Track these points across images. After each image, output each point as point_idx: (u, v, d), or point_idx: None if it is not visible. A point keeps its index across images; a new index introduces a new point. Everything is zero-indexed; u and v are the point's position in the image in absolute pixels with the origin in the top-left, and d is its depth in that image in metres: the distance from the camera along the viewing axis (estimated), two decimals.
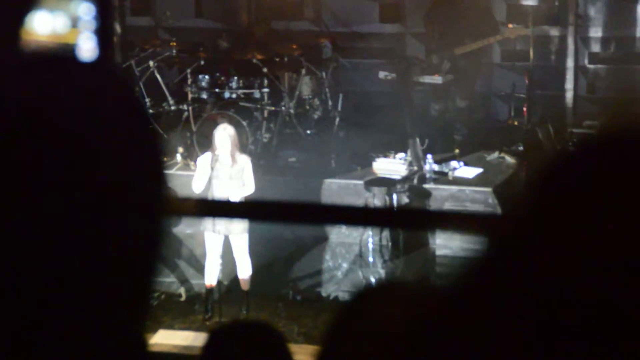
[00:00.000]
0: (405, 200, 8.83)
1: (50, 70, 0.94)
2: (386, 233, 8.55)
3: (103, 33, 1.06)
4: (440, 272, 9.08)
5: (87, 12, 1.19)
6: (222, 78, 9.45)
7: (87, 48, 1.17)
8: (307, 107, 9.86)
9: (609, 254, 0.65)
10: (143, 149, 0.96)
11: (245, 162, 8.19)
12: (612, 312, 0.65)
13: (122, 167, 0.93)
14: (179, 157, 9.08)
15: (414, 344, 0.71)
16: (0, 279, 0.89)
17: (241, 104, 9.39)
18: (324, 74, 9.92)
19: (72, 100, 0.92)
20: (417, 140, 9.14)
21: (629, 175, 0.85)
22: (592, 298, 0.65)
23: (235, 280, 8.48)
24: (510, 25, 9.99)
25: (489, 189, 8.76)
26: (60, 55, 0.99)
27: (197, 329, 8.15)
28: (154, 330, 8.17)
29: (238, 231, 8.29)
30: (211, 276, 8.32)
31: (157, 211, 0.95)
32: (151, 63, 9.46)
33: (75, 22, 1.20)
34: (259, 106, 9.49)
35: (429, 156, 8.96)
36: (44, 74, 0.94)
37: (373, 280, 9.23)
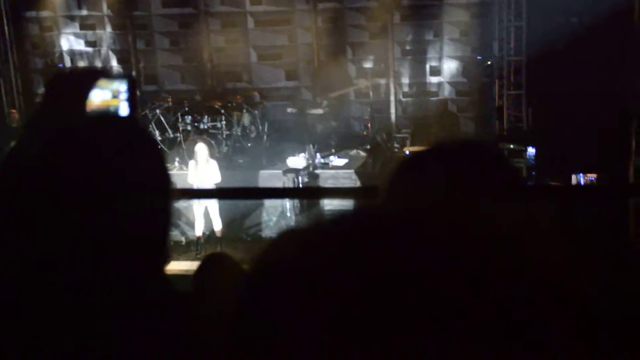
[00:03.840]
0: (305, 180, 10.60)
1: (103, 122, 1.24)
2: (296, 200, 10.10)
3: (132, 99, 1.39)
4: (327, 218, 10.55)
5: (122, 88, 1.54)
6: (198, 117, 11.58)
7: (123, 109, 1.54)
8: (247, 131, 11.94)
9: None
10: (160, 162, 1.24)
11: (213, 164, 10.03)
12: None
13: (148, 172, 1.21)
14: (176, 164, 10.66)
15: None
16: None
17: (210, 131, 11.48)
18: (256, 111, 12.14)
19: (118, 137, 1.20)
20: (311, 146, 11.13)
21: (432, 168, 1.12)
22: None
23: (212, 232, 10.35)
24: (362, 80, 12.52)
25: (351, 171, 10.87)
26: (109, 114, 1.36)
27: (192, 260, 9.40)
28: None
29: (212, 202, 9.86)
30: (199, 229, 10.13)
31: (170, 195, 1.22)
32: (157, 111, 11.69)
33: (115, 94, 1.51)
34: (220, 132, 11.55)
35: (318, 154, 11.06)
36: (101, 124, 1.23)
37: (290, 225, 8.58)
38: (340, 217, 0.60)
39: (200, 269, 2.16)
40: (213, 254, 3.14)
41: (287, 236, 0.62)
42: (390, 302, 0.52)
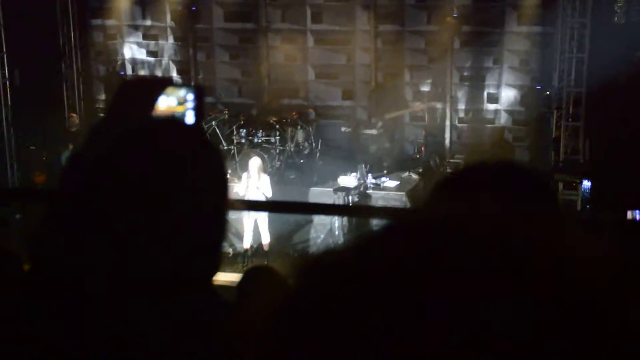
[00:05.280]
0: (355, 200, 10.82)
1: (167, 127, 1.29)
2: (345, 218, 10.27)
3: (198, 109, 1.42)
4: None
5: (188, 96, 1.57)
6: (253, 131, 11.91)
7: (189, 117, 1.58)
8: (301, 147, 12.22)
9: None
10: (221, 172, 1.28)
11: (265, 178, 10.30)
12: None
13: (209, 181, 1.23)
14: (228, 177, 11.16)
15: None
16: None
17: (264, 145, 11.82)
18: (310, 128, 12.45)
19: (181, 143, 1.25)
20: (363, 165, 11.21)
21: (481, 188, 1.13)
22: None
23: (260, 245, 10.69)
24: (418, 103, 12.69)
25: (403, 193, 11.15)
26: (174, 120, 1.40)
27: (239, 271, 9.41)
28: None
29: (262, 216, 10.34)
30: (247, 242, 10.49)
31: (227, 206, 1.27)
32: (213, 123, 12.05)
33: (181, 101, 1.53)
34: (273, 147, 11.91)
35: (369, 175, 11.14)
36: (165, 129, 1.28)
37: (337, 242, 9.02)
38: (378, 234, 0.61)
39: (243, 280, 2.19)
40: (257, 266, 3.31)
41: (332, 253, 0.62)
42: (426, 320, 0.53)
